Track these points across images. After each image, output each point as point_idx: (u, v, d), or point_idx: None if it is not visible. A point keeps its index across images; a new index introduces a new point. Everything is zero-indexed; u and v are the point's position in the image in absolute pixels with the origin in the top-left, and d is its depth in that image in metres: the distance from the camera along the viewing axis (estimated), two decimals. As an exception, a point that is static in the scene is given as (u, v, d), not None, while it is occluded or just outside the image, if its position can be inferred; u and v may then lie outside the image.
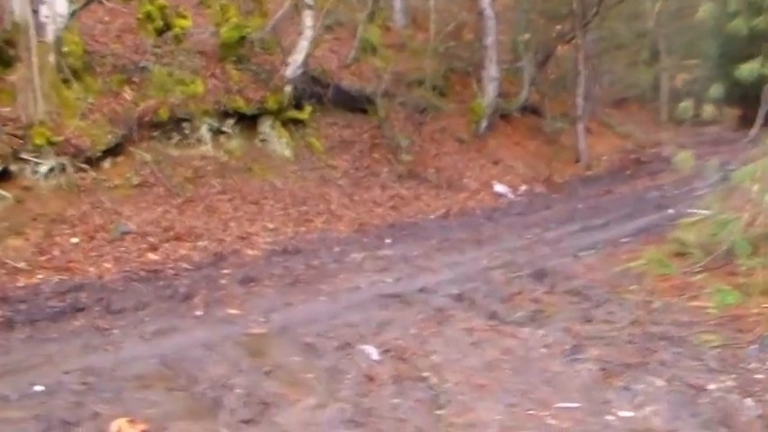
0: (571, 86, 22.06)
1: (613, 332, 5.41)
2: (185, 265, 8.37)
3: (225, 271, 7.79)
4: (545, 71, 20.75)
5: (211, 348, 5.16)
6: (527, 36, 19.53)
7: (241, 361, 4.95)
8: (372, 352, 5.04)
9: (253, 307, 6.26)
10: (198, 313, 6.08)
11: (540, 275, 7.27)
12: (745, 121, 46.38)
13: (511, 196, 14.39)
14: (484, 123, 17.50)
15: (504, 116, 18.93)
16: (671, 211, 11.44)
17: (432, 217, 12.15)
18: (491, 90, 17.82)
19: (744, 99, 46.38)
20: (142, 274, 7.80)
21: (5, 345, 5.38)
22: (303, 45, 12.77)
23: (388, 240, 9.84)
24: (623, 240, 9.21)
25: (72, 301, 6.34)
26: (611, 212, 11.84)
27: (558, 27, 20.31)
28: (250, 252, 9.29)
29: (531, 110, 20.31)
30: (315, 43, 13.32)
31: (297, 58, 12.75)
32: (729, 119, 55.40)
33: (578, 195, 14.43)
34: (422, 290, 6.80)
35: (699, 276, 6.36)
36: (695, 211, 11.07)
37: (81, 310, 6.14)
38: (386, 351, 5.09)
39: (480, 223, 11.30)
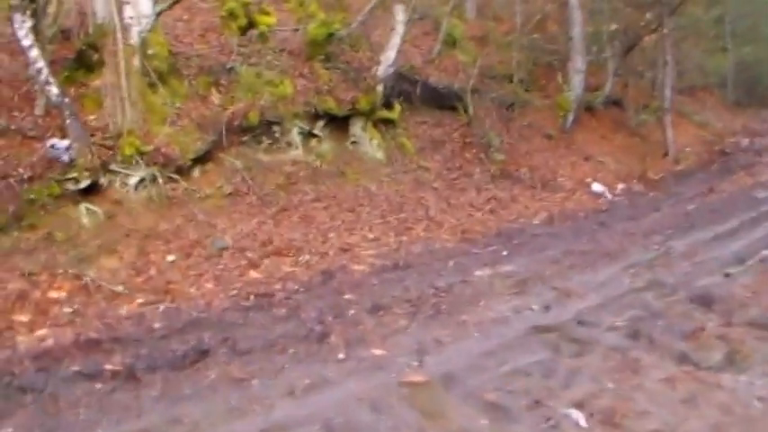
0: (653, 77, 20.81)
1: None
2: (294, 286, 7.44)
3: (347, 296, 6.80)
4: (629, 62, 19.39)
5: (376, 408, 4.17)
6: (614, 26, 18.25)
7: (419, 425, 3.96)
8: (579, 417, 3.98)
9: (397, 345, 5.27)
10: (340, 356, 5.09)
11: (704, 301, 6.24)
12: None
13: (609, 196, 13.25)
14: (570, 117, 16.34)
15: (589, 109, 17.72)
16: None
17: (536, 222, 11.07)
18: (577, 83, 16.63)
19: None
20: (252, 299, 6.87)
21: (136, 405, 4.44)
22: (395, 41, 11.75)
23: (504, 252, 8.82)
24: (765, 253, 8.08)
25: (195, 343, 5.37)
26: (728, 216, 10.68)
27: (646, 16, 18.93)
28: (357, 267, 8.33)
29: (615, 102, 19.06)
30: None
31: (389, 55, 11.74)
32: None
33: (680, 194, 13.25)
34: (580, 322, 5.77)
35: None
36: None
37: (206, 352, 5.19)
38: (590, 414, 4.04)
39: (593, 230, 10.20)
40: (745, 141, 23.79)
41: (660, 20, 17.99)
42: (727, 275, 7.27)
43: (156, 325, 5.97)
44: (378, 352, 5.16)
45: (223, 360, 5.04)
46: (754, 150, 20.49)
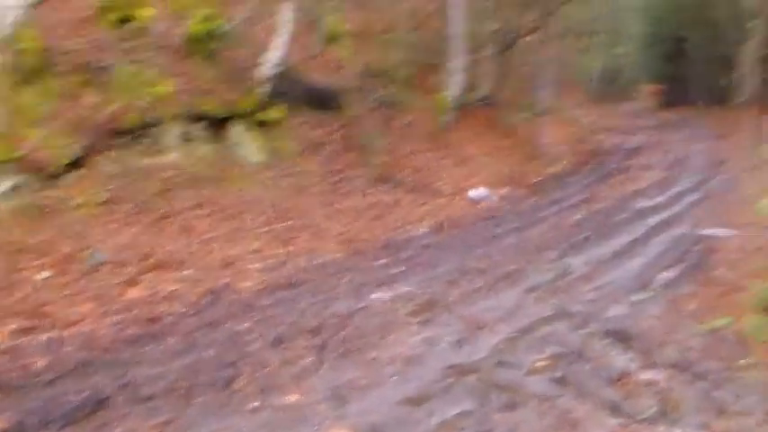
0: (530, 77, 21.59)
1: (760, 428, 4.74)
2: (182, 308, 7.34)
3: (244, 325, 6.76)
4: (506, 61, 20.05)
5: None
6: (495, 26, 18.82)
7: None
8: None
9: (312, 390, 5.24)
10: (254, 405, 5.05)
11: (620, 337, 6.44)
12: (670, 99, 47.89)
13: (491, 201, 13.67)
14: (449, 117, 16.78)
15: (466, 109, 18.20)
16: (682, 231, 11.03)
17: (422, 230, 11.30)
18: (456, 82, 17.10)
19: (669, 78, 47.70)
20: (139, 326, 6.73)
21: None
22: (280, 41, 11.71)
23: (400, 268, 8.96)
24: (665, 276, 8.57)
25: (91, 391, 5.20)
26: (617, 230, 11.22)
27: (527, 16, 19.65)
28: (245, 284, 8.30)
29: (491, 101, 19.65)
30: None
31: (272, 56, 11.69)
32: (647, 95, 56.99)
33: (561, 201, 13.80)
34: (499, 362, 5.90)
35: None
36: (716, 232, 10.66)
37: (104, 401, 5.05)
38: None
39: (483, 242, 10.48)
40: (614, 140, 25.09)
41: (540, 20, 18.67)
42: (634, 304, 7.55)
43: (40, 363, 5.77)
44: (293, 398, 5.16)
45: (125, 411, 4.93)
46: (624, 151, 21.64)
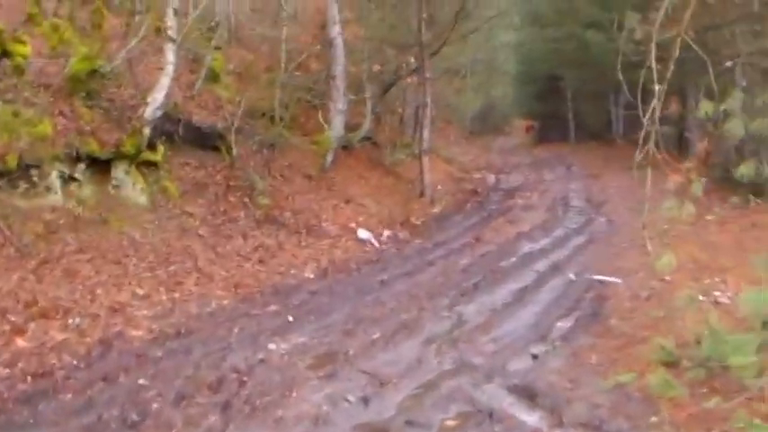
0: (405, 115, 22.38)
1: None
2: (73, 360, 7.42)
3: (141, 380, 6.89)
4: (385, 101, 20.76)
5: None
6: (377, 67, 19.47)
7: None
8: None
9: None
10: None
11: (526, 394, 6.80)
12: (544, 135, 50.17)
13: (376, 243, 14.13)
14: (330, 157, 17.22)
15: (347, 149, 18.74)
16: (572, 276, 11.56)
17: (308, 275, 11.61)
18: (338, 122, 17.59)
19: (543, 115, 49.93)
20: (30, 380, 6.77)
21: None
22: (164, 82, 11.87)
23: (288, 317, 9.22)
24: (562, 326, 8.96)
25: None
26: (507, 276, 11.66)
27: (407, 58, 20.42)
28: (135, 333, 8.42)
29: (371, 140, 20.27)
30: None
31: (157, 96, 11.82)
32: (520, 131, 59.37)
33: (447, 243, 14.31)
34: (408, 422, 6.16)
35: (712, 401, 6.16)
36: (605, 278, 11.31)
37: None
38: None
39: (373, 287, 10.81)
40: (492, 178, 26.10)
41: (421, 62, 19.43)
42: (535, 357, 7.86)
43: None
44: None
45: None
46: (503, 190, 22.54)
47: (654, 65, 5.62)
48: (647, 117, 5.61)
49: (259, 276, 11.25)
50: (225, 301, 9.93)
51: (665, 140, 5.97)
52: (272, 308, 9.68)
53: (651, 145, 5.70)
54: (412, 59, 20.46)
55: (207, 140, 14.01)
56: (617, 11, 31.64)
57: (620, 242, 14.05)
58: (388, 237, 14.79)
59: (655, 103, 5.58)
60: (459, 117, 39.12)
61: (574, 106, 44.91)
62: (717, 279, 10.42)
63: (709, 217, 14.43)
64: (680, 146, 22.28)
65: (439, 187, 21.39)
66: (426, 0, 19.51)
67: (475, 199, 21.01)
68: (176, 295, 9.88)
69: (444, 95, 28.14)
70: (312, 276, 11.61)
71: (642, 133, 5.67)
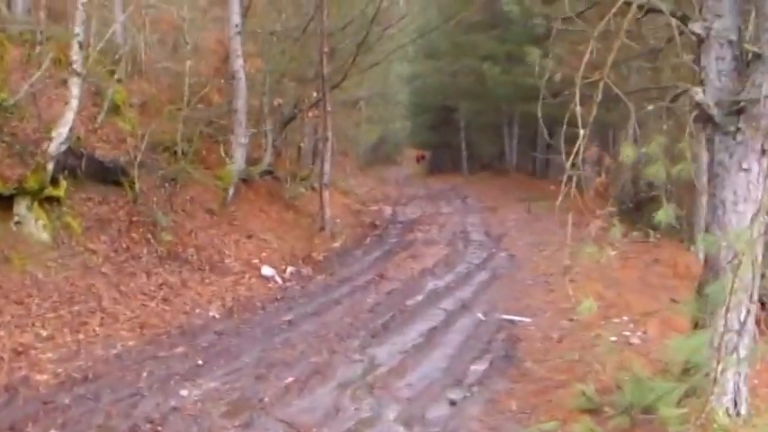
0: (310, 149, 22.74)
1: None
2: (-16, 408, 7.44)
3: (50, 431, 6.97)
4: (288, 135, 21.10)
5: None
6: (278, 100, 19.78)
7: None
8: None
9: None
10: None
11: None
12: (438, 166, 51.35)
13: (279, 280, 14.39)
14: (231, 191, 17.37)
15: (247, 182, 18.92)
16: (480, 315, 11.91)
17: (213, 314, 11.79)
18: (239, 156, 17.79)
19: (437, 145, 51.20)
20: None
21: None
22: (69, 117, 11.85)
23: (201, 359, 9.39)
24: (476, 370, 9.18)
25: None
26: (415, 315, 11.94)
27: (309, 91, 20.84)
28: (40, 377, 8.47)
29: (271, 174, 20.51)
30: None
31: (62, 131, 11.79)
32: (414, 162, 60.58)
33: (351, 280, 14.63)
34: None
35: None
36: (515, 318, 11.76)
37: None
38: None
39: (281, 327, 11.03)
40: (389, 211, 26.64)
41: (322, 95, 19.84)
42: (453, 403, 7.99)
43: None
44: None
45: None
46: (402, 223, 23.06)
47: (578, 109, 6.14)
48: (569, 161, 6.09)
49: (164, 316, 11.37)
50: (131, 343, 10.03)
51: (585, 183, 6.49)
52: (180, 349, 9.82)
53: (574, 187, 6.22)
54: (314, 93, 20.88)
55: (109, 175, 13.97)
56: (514, 45, 33.04)
57: (524, 278, 14.66)
58: (292, 273, 15.05)
59: (579, 145, 6.08)
60: (354, 148, 39.75)
61: (467, 137, 46.05)
62: (625, 318, 10.92)
63: (611, 252, 15.17)
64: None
65: (338, 220, 21.80)
66: (328, 34, 19.99)
67: (374, 233, 21.46)
68: (81, 337, 9.93)
69: (342, 128, 28.64)
70: (218, 315, 11.79)
71: (564, 177, 6.13)
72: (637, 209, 21.06)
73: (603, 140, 29.52)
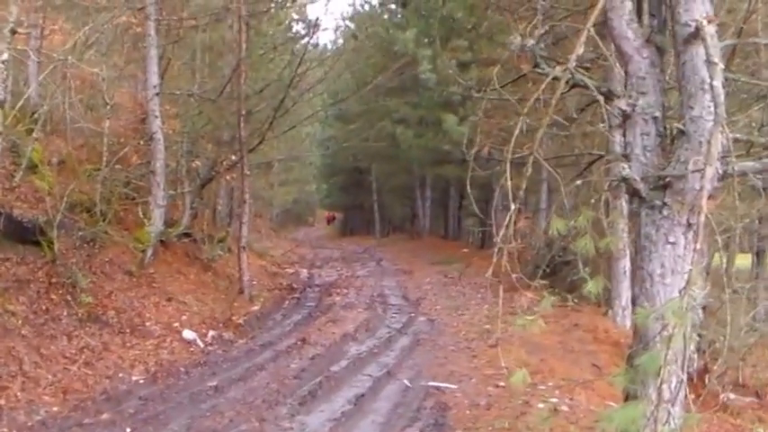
0: (227, 211, 22.82)
1: None
2: None
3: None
4: (206, 196, 21.18)
5: None
6: (196, 162, 19.89)
7: None
8: None
9: None
10: None
11: None
12: (348, 226, 51.77)
13: (201, 344, 14.34)
14: (150, 253, 17.30)
15: (165, 244, 18.87)
16: (406, 382, 12.02)
17: (137, 378, 11.70)
18: (158, 217, 17.75)
19: (350, 206, 51.82)
20: None
21: None
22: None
23: (126, 429, 9.25)
24: None
25: None
26: (341, 382, 11.93)
27: (227, 154, 21.02)
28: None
29: (188, 235, 20.50)
30: None
31: (-18, 191, 11.71)
32: (326, 223, 60.94)
33: (273, 345, 14.61)
34: None
35: None
36: (441, 385, 11.91)
37: None
38: None
39: (207, 394, 10.93)
40: (305, 273, 26.80)
41: (240, 158, 20.04)
42: None
43: None
44: None
45: None
46: (319, 286, 23.23)
47: (509, 183, 6.38)
48: (500, 235, 6.30)
49: (87, 380, 11.25)
50: (55, 409, 9.91)
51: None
52: (106, 416, 9.71)
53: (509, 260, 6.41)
54: (231, 155, 21.06)
55: (28, 235, 13.79)
56: (427, 110, 33.89)
57: (447, 344, 14.90)
58: (213, 337, 15.04)
59: (509, 218, 6.28)
60: (268, 210, 40.00)
61: (379, 199, 46.83)
62: (551, 384, 11.23)
63: (543, 324, 15.56)
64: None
65: (255, 283, 21.84)
66: (245, 97, 20.29)
67: (292, 296, 21.59)
68: (2, 402, 9.77)
69: (257, 189, 28.84)
70: (141, 380, 11.70)
71: (495, 249, 6.33)
72: (552, 273, 21.60)
73: (512, 201, 30.32)
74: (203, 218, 22.30)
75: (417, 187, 42.75)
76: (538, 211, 29.35)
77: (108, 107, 16.86)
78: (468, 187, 8.92)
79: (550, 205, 22.35)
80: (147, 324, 14.58)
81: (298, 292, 22.31)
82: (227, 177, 22.44)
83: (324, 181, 55.43)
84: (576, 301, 17.46)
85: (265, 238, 34.06)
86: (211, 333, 15.19)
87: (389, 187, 45.55)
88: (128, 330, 13.88)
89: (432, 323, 17.46)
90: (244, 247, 20.04)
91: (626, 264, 18.04)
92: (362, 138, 36.92)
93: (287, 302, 20.49)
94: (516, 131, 6.27)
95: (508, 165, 6.24)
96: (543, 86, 6.39)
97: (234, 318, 16.92)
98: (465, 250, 33.81)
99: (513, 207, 6.11)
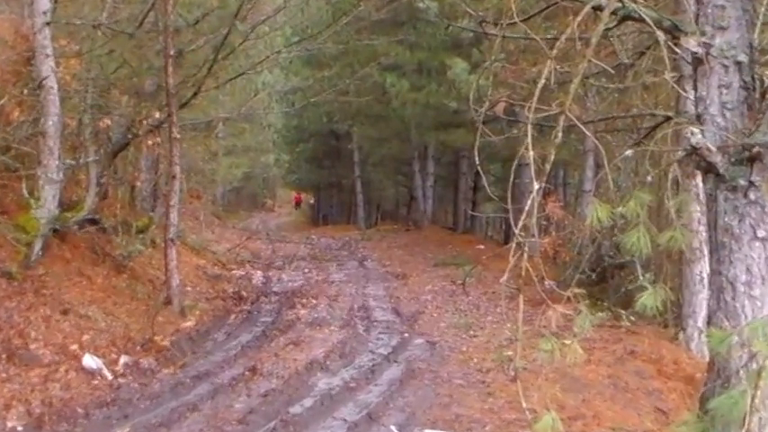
0: (149, 190, 22.40)
1: None
2: None
3: None
4: (119, 169, 20.77)
5: None
6: (106, 121, 19.44)
7: None
8: None
9: None
10: None
11: None
12: (321, 212, 51.86)
13: (109, 375, 13.96)
14: (38, 247, 16.84)
15: (61, 234, 18.44)
16: (394, 429, 11.75)
17: (16, 426, 11.34)
18: (50, 197, 17.26)
19: (324, 185, 51.75)
20: None
21: None
22: None
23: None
24: None
25: None
26: (308, 426, 11.76)
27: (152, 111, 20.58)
28: None
29: (96, 224, 20.07)
30: None
31: None
32: (287, 204, 61.15)
33: (215, 377, 14.26)
34: None
35: None
36: None
37: None
38: None
39: None
40: (260, 276, 26.51)
41: (167, 115, 19.57)
42: None
43: None
44: None
45: None
46: (278, 295, 22.94)
47: (531, 153, 5.92)
48: (519, 225, 5.86)
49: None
50: None
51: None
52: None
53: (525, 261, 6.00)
54: (155, 112, 20.61)
55: None
56: (428, 52, 33.59)
57: (452, 376, 14.58)
58: (127, 365, 14.66)
59: (532, 202, 5.80)
60: (210, 189, 39.60)
61: (364, 175, 46.16)
62: None
63: (567, 341, 15.24)
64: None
65: (188, 289, 21.49)
66: (174, 30, 19.79)
67: (241, 307, 21.31)
68: None
69: (194, 160, 28.44)
70: (20, 428, 11.35)
71: (513, 244, 5.91)
72: (601, 279, 21.18)
73: (548, 182, 30.11)
74: (116, 199, 21.85)
75: (416, 160, 42.17)
76: (581, 195, 29.09)
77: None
78: (477, 157, 8.43)
79: (598, 186, 21.88)
80: (33, 347, 14.17)
81: (248, 303, 21.98)
82: (150, 143, 21.94)
83: (287, 150, 54.65)
84: (632, 319, 17.06)
85: (205, 228, 33.76)
86: (124, 359, 14.80)
87: (377, 159, 45.00)
88: (3, 356, 13.47)
89: (432, 347, 17.12)
90: (173, 240, 19.58)
91: (703, 268, 17.54)
92: (340, 90, 36.15)
93: (233, 317, 20.14)
94: (542, 81, 5.94)
95: (530, 127, 5.95)
96: (580, 18, 6.18)
97: (157, 338, 16.52)
98: (480, 247, 33.59)
99: (535, 186, 5.73)
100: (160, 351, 15.91)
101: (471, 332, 17.95)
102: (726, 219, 6.35)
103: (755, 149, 6.05)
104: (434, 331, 18.62)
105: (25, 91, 18.32)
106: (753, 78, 6.38)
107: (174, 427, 11.60)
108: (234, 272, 27.43)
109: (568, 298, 5.90)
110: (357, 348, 16.95)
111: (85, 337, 15.31)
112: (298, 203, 64.39)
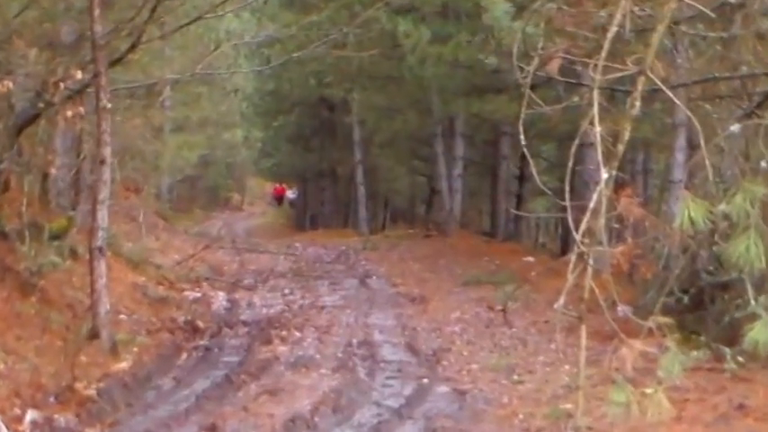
0: (65, 179, 22.40)
1: None
2: None
3: None
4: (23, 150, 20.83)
5: None
6: (8, 83, 19.48)
7: None
8: None
9: None
10: None
11: None
12: (308, 210, 52.14)
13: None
14: None
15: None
16: None
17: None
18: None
19: (311, 175, 52.07)
20: None
21: None
22: None
23: None
24: None
25: None
26: None
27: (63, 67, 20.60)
28: None
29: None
30: None
31: None
32: (261, 201, 61.63)
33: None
34: None
35: None
36: None
37: None
38: None
39: None
40: (222, 299, 26.49)
41: (94, 77, 19.50)
42: None
43: None
44: None
45: None
46: (248, 325, 22.91)
47: (597, 130, 5.82)
48: (582, 228, 5.76)
49: None
50: None
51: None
52: None
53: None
54: (77, 72, 20.61)
55: None
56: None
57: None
58: (35, 423, 14.66)
59: (599, 197, 5.68)
60: (154, 179, 39.63)
61: (366, 160, 45.74)
62: None
63: (649, 390, 15.19)
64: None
65: (122, 317, 21.51)
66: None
67: (195, 343, 21.24)
68: None
69: (131, 139, 28.42)
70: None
71: (573, 256, 5.82)
72: (696, 304, 20.94)
73: (621, 169, 30.07)
74: (21, 192, 21.88)
75: (438, 138, 41.43)
76: (668, 187, 28.92)
77: None
78: (522, 135, 8.21)
79: (692, 175, 21.77)
80: None
81: (206, 337, 21.88)
82: (70, 114, 21.93)
83: (260, 125, 53.88)
84: (740, 360, 16.87)
85: (146, 234, 33.77)
86: (31, 416, 14.80)
87: (386, 138, 44.36)
88: None
89: (461, 398, 16.97)
90: (101, 250, 19.57)
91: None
92: (334, 42, 35.45)
93: (184, 356, 20.05)
94: (613, 28, 5.89)
95: (595, 93, 5.84)
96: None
97: (78, 385, 16.51)
98: (529, 259, 33.54)
99: (604, 175, 5.70)
100: (82, 404, 15.87)
101: (515, 377, 17.95)
102: None
103: None
104: (464, 376, 18.57)
105: None
106: None
107: None
108: (186, 293, 27.39)
109: (650, 330, 5.80)
110: (357, 399, 16.78)
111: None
112: (279, 199, 63.86)
